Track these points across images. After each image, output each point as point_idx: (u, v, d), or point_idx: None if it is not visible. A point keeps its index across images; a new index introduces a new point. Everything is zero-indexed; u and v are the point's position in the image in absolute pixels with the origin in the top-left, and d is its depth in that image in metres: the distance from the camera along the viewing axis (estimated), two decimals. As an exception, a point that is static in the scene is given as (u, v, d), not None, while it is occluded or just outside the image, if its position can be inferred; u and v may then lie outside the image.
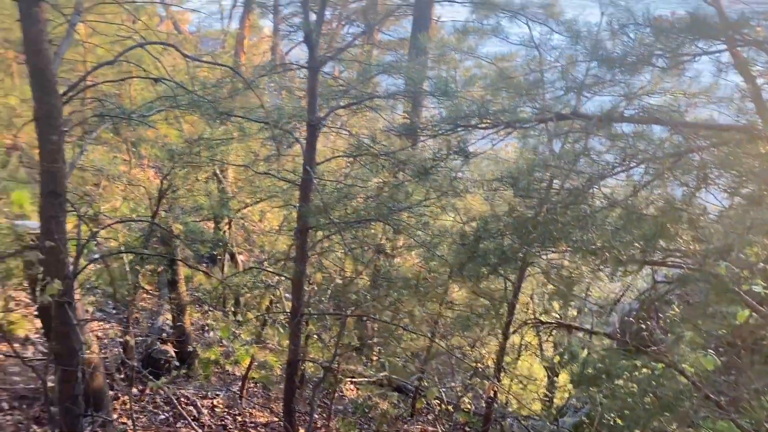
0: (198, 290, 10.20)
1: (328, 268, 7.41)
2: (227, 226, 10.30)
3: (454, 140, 5.60)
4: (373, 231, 7.02)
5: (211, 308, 10.49)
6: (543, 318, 7.92)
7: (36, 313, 7.91)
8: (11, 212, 8.71)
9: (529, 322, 7.98)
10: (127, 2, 6.87)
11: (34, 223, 8.27)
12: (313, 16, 5.95)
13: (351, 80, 6.62)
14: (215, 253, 10.82)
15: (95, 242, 7.21)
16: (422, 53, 8.06)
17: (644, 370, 5.90)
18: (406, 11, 11.01)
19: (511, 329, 7.77)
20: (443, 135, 5.68)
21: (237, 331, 10.15)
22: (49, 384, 6.09)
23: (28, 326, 9.09)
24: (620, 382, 6.03)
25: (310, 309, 6.90)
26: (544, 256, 6.72)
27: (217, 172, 9.40)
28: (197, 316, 10.27)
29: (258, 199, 8.51)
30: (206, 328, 10.22)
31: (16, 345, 8.69)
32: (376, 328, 8.62)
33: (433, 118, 6.63)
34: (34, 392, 7.70)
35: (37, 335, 9.00)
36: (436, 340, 7.93)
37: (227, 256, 10.91)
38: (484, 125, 5.43)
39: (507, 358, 8.40)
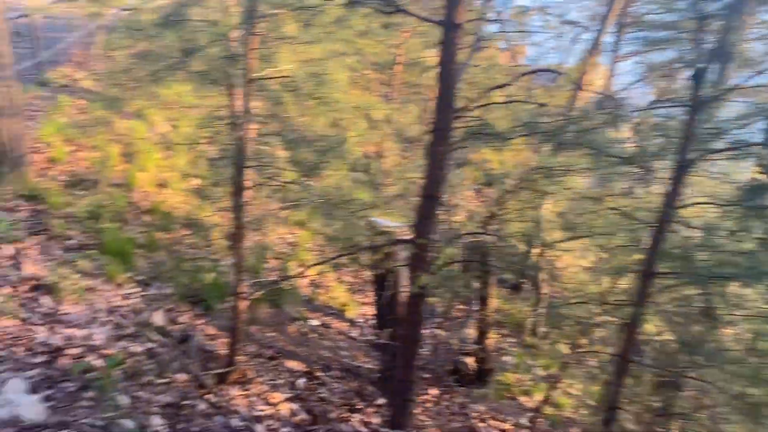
0: (501, 312, 10.39)
1: (664, 319, 6.87)
2: (539, 256, 10.30)
3: None
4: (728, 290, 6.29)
5: (511, 333, 10.62)
6: None
7: (373, 300, 8.84)
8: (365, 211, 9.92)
9: None
10: (521, 31, 7.36)
11: (380, 221, 9.32)
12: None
13: (727, 122, 6.05)
14: (521, 280, 10.94)
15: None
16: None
17: None
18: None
19: None
20: None
21: (531, 362, 10.11)
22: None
23: (355, 311, 10.29)
24: None
25: (637, 358, 6.47)
26: None
27: (543, 201, 9.46)
28: (496, 337, 10.47)
29: (590, 234, 8.30)
30: (502, 350, 10.35)
31: (345, 324, 9.94)
32: (695, 398, 7.70)
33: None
34: (356, 368, 8.64)
35: (360, 319, 10.13)
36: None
37: (532, 285, 10.92)
38: None
39: None
